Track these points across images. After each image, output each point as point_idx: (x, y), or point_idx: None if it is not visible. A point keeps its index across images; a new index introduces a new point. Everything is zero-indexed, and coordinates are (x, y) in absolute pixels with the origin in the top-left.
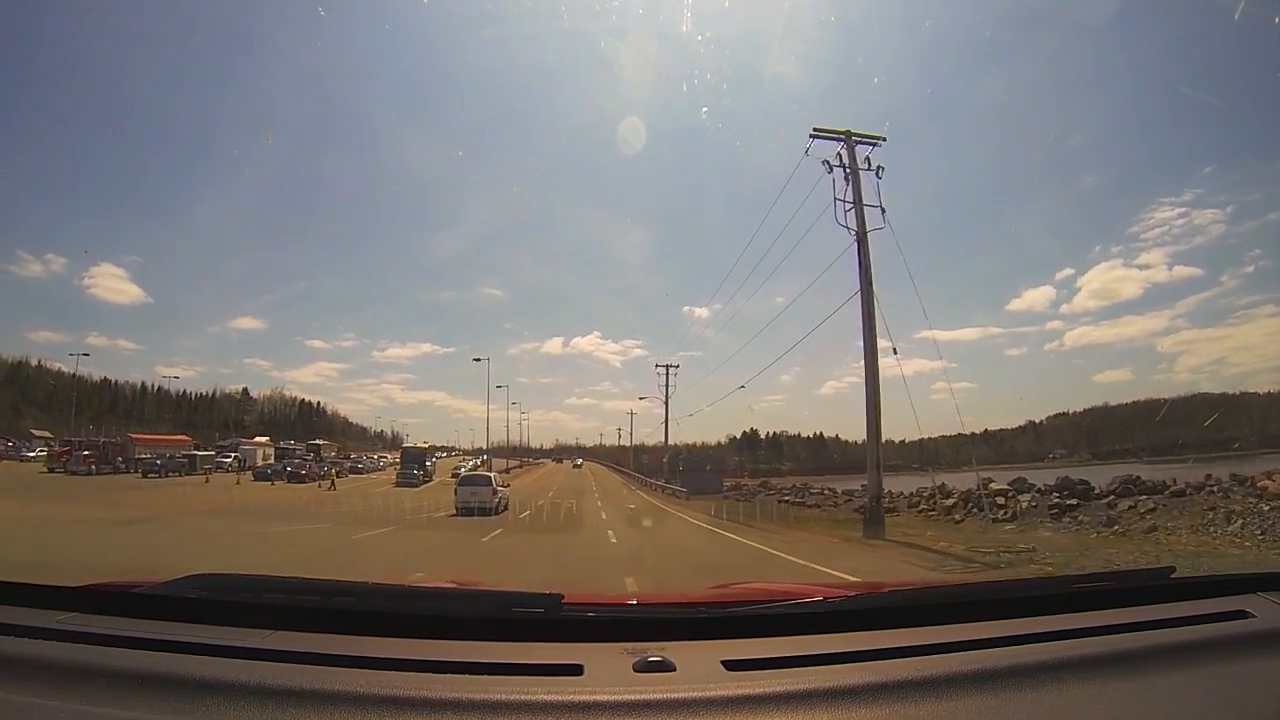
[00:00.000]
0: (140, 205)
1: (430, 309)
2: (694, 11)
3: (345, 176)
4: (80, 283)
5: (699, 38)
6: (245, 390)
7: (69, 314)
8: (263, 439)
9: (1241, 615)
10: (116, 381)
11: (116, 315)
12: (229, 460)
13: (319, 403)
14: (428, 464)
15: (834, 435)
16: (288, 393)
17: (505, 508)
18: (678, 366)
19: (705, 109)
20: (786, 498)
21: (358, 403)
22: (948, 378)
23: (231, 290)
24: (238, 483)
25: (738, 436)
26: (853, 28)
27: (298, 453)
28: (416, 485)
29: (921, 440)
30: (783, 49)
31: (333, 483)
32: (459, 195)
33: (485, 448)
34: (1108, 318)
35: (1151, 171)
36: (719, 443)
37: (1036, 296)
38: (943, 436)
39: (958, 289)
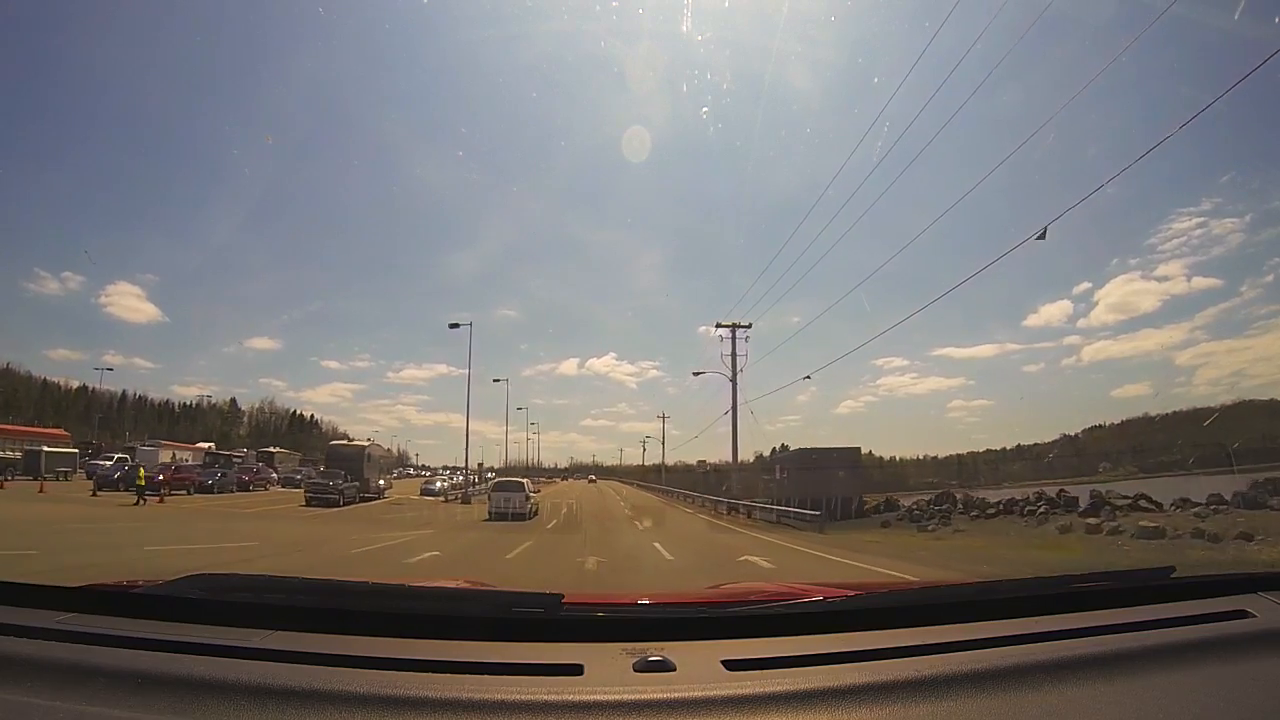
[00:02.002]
0: (156, 224)
1: (445, 330)
2: (698, 18)
3: (360, 197)
4: (97, 301)
5: (700, 38)
6: (233, 401)
7: (86, 332)
8: (206, 444)
9: (1242, 615)
10: (93, 389)
11: (133, 334)
12: (107, 464)
13: (312, 415)
14: (368, 476)
15: (867, 452)
16: (279, 404)
17: (536, 514)
18: (749, 326)
19: (720, 123)
20: (1058, 511)
21: (373, 423)
22: (965, 395)
23: (247, 310)
24: (40, 490)
25: (766, 454)
26: (869, 40)
27: (235, 461)
28: (337, 504)
29: (959, 456)
30: (801, 62)
31: (141, 498)
32: (474, 215)
33: (467, 456)
34: (1125, 331)
35: (1169, 181)
36: (743, 461)
37: (1054, 311)
38: (972, 453)
39: (975, 305)
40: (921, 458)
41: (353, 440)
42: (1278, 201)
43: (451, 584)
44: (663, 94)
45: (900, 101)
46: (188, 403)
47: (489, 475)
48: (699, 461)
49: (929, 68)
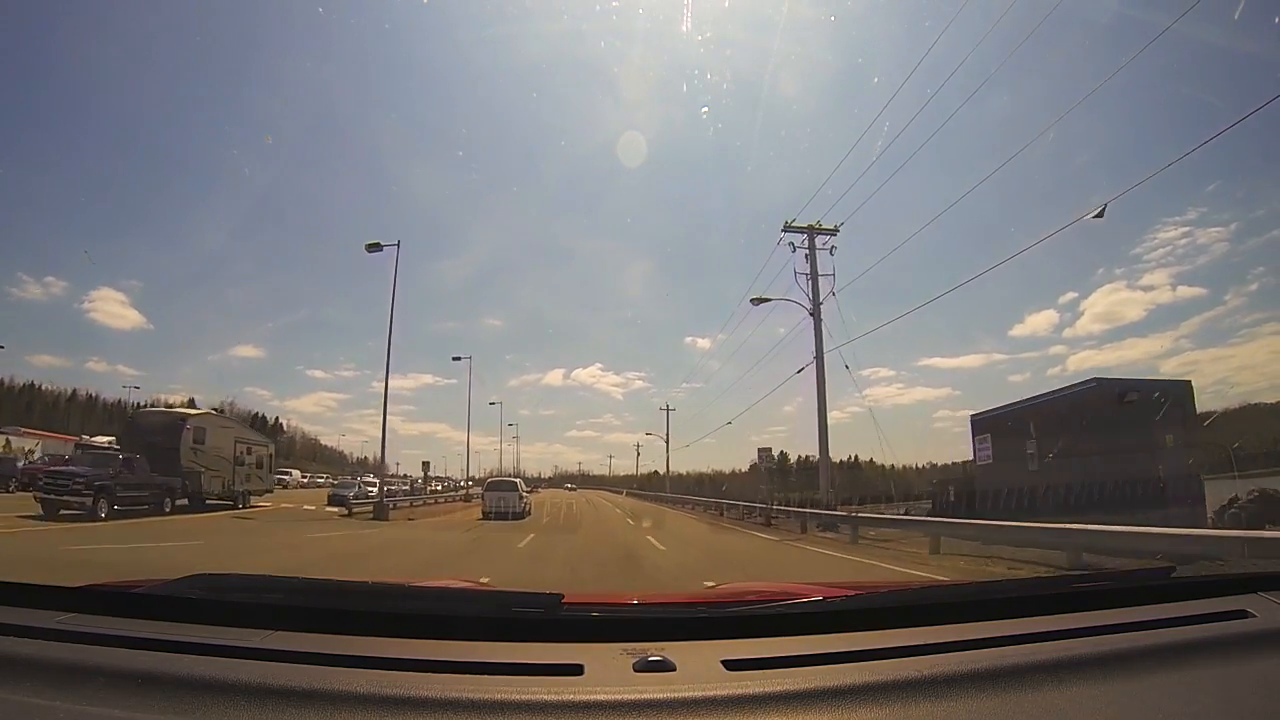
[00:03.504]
0: (141, 231)
1: (431, 340)
2: (696, 18)
3: (348, 205)
4: (80, 307)
5: (699, 37)
6: (191, 401)
7: (69, 338)
8: (101, 437)
9: (1242, 615)
10: (39, 385)
11: (117, 340)
12: None
13: (277, 419)
14: (192, 466)
15: (868, 459)
16: (240, 406)
17: (529, 512)
18: (834, 232)
19: (719, 123)
20: None
21: (358, 433)
22: (952, 405)
23: (232, 318)
24: None
25: (759, 463)
26: (869, 42)
27: (106, 453)
28: (93, 515)
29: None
30: (793, 76)
31: None
32: (462, 225)
33: (384, 449)
34: (1111, 340)
35: (1155, 190)
36: (735, 471)
37: (1040, 321)
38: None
39: (962, 316)
40: (922, 466)
41: (174, 407)
42: (1262, 210)
43: (451, 584)
44: (661, 95)
45: (899, 104)
46: (139, 403)
47: (464, 484)
48: (761, 451)
49: (926, 70)
